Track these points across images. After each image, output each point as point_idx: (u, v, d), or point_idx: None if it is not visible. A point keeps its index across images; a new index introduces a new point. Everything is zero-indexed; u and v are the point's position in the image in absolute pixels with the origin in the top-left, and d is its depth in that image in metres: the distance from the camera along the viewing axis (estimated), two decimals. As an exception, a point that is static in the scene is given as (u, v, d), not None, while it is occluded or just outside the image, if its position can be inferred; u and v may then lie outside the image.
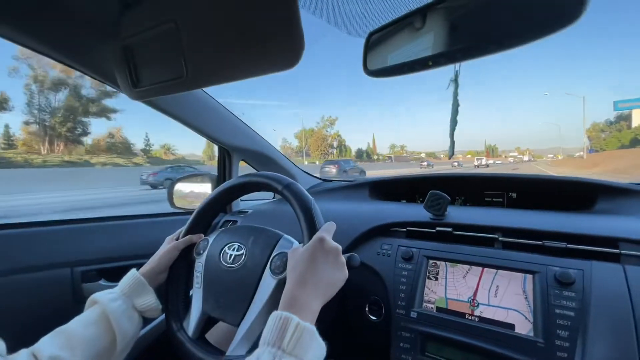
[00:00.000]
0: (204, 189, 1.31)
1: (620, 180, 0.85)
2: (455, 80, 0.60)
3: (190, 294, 0.72)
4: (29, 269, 0.84)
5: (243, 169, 1.31)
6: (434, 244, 0.73)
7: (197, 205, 0.80)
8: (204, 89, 0.99)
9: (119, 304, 0.60)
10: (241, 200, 1.34)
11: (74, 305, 0.87)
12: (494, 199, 1.00)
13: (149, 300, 0.65)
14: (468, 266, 0.67)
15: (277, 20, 0.44)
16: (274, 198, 1.39)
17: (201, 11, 0.50)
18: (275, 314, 0.46)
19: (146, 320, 0.66)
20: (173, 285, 0.72)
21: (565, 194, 0.89)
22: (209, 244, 0.73)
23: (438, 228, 0.75)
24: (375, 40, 0.59)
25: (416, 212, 0.83)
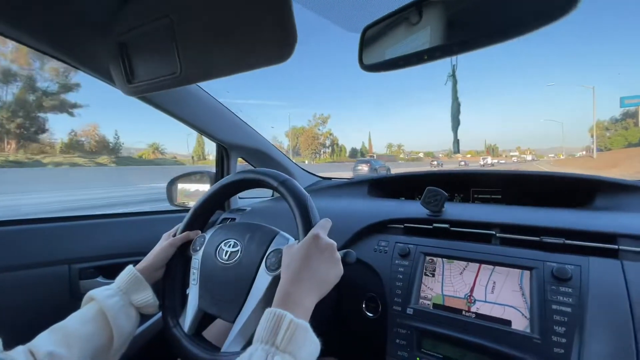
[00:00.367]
0: (204, 187, 1.32)
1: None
2: (453, 75, 0.59)
3: (187, 290, 0.72)
4: (27, 266, 0.84)
5: (244, 168, 1.31)
6: (431, 240, 0.73)
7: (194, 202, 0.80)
8: (202, 86, 1.00)
9: (116, 301, 0.60)
10: (240, 198, 1.35)
11: (72, 303, 0.87)
12: (493, 196, 1.00)
13: (146, 296, 0.65)
14: (465, 262, 0.66)
15: (270, 14, 0.44)
16: (272, 196, 1.39)
17: (195, 6, 0.50)
18: (269, 311, 0.46)
19: (143, 317, 0.66)
20: (170, 282, 0.72)
21: (564, 191, 0.88)
22: (206, 241, 0.73)
23: (435, 224, 0.75)
24: (370, 35, 0.59)
25: (413, 208, 0.83)
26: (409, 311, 0.66)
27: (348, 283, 0.76)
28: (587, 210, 0.75)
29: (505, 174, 0.98)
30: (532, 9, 0.41)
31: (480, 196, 1.02)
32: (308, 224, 0.60)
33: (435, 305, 0.65)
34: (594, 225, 0.62)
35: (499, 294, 0.61)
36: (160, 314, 0.69)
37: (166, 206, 1.27)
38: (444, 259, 0.69)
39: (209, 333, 0.83)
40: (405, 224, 0.80)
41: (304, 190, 0.64)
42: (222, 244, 0.70)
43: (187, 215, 0.77)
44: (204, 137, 1.13)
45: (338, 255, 0.57)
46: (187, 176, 1.32)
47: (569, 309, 0.53)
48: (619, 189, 0.79)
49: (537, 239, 0.64)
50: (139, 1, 0.56)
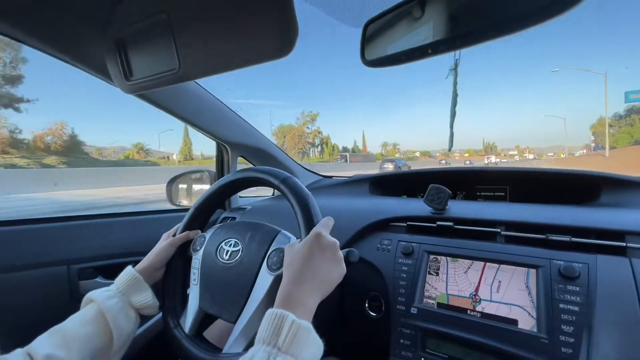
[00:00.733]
0: (204, 186, 1.31)
1: None
2: (455, 69, 0.58)
3: (188, 291, 0.71)
4: (26, 266, 0.83)
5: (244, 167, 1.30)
6: (435, 239, 0.72)
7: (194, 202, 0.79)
8: (202, 85, 0.99)
9: (115, 302, 0.60)
10: (240, 197, 1.34)
11: (71, 303, 0.86)
12: (496, 193, 0.99)
13: (146, 297, 0.64)
14: (470, 261, 0.65)
15: (271, 7, 0.43)
16: (273, 195, 1.38)
17: (192, 0, 0.49)
18: (270, 312, 0.45)
19: (143, 318, 0.65)
20: (170, 282, 0.71)
21: (569, 187, 0.87)
22: (206, 240, 0.72)
23: (439, 222, 0.74)
24: (372, 30, 0.58)
25: (416, 206, 0.82)
26: (413, 311, 0.65)
27: (351, 282, 0.75)
28: (593, 207, 0.74)
29: (508, 171, 0.97)
30: (537, 1, 0.40)
31: (483, 193, 1.01)
32: (310, 223, 0.59)
33: (439, 305, 0.64)
34: (601, 222, 0.61)
35: (504, 293, 0.60)
36: (160, 314, 0.69)
37: (165, 206, 1.26)
38: (448, 258, 0.68)
39: (210, 333, 0.82)
40: (409, 222, 0.79)
41: (305, 189, 0.63)
42: (223, 244, 0.69)
43: (187, 215, 0.76)
44: (206, 136, 1.12)
45: (341, 254, 0.56)
46: (187, 175, 1.31)
47: (576, 308, 0.52)
48: (624, 185, 0.78)
49: (543, 236, 0.63)
50: (136, -4, 0.55)
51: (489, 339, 0.57)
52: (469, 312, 0.61)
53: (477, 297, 0.62)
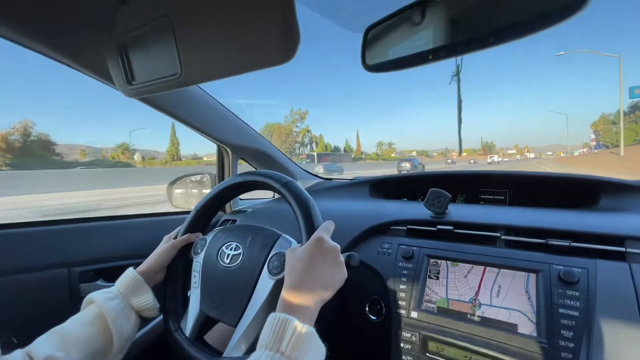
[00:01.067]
0: (204, 189, 1.31)
1: None
2: (457, 75, 0.59)
3: (189, 293, 0.71)
4: (26, 269, 0.83)
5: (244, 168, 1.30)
6: (435, 243, 0.72)
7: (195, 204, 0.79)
8: (202, 87, 0.99)
9: (115, 304, 0.60)
10: (240, 199, 1.34)
11: (72, 306, 0.86)
12: (496, 197, 0.99)
13: (147, 299, 0.64)
14: (470, 265, 0.66)
15: (272, 13, 0.43)
16: (273, 197, 1.38)
17: (195, 5, 0.49)
18: (273, 316, 0.45)
19: (144, 320, 0.65)
20: (171, 285, 0.71)
21: (569, 192, 0.88)
22: (207, 243, 0.72)
23: (439, 226, 0.74)
24: (373, 35, 0.58)
25: (417, 210, 0.82)
26: (413, 315, 0.66)
27: (351, 286, 0.75)
28: (592, 212, 0.75)
29: (509, 175, 0.97)
30: (539, 8, 0.40)
31: (483, 197, 1.01)
32: (311, 227, 0.59)
33: (439, 309, 0.64)
34: (601, 227, 0.62)
35: (504, 297, 0.60)
36: (160, 317, 0.69)
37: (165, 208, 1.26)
38: (448, 262, 0.68)
39: (211, 336, 0.82)
40: (409, 226, 0.79)
41: (306, 193, 0.63)
42: (224, 247, 0.69)
43: (188, 218, 0.77)
44: (206, 138, 1.12)
45: (342, 258, 0.56)
46: (188, 177, 1.31)
47: (576, 313, 0.52)
48: (624, 189, 0.78)
49: (542, 241, 0.63)
50: (139, 1, 0.55)
51: (489, 344, 0.57)
52: (469, 316, 0.61)
53: (477, 302, 0.62)
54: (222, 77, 0.52)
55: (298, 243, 0.63)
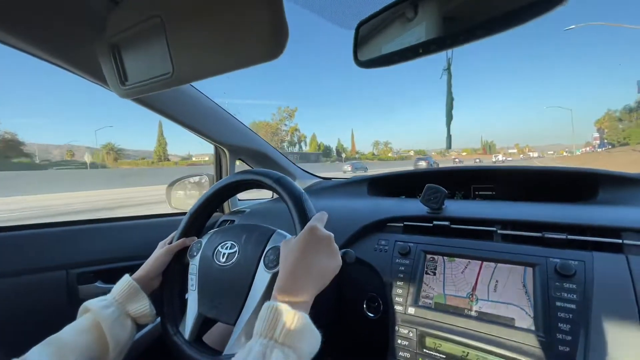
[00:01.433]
0: (203, 190, 1.31)
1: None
2: (448, 69, 0.59)
3: (186, 297, 0.71)
4: (25, 271, 0.84)
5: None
6: (432, 239, 0.72)
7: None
8: (198, 88, 1.00)
9: (111, 311, 0.59)
10: (239, 199, 1.34)
11: (70, 308, 0.86)
12: (494, 192, 0.98)
13: (143, 306, 0.64)
14: (466, 260, 0.65)
15: (261, 10, 0.43)
16: (272, 197, 1.38)
17: (185, 4, 0.49)
18: (267, 305, 0.45)
19: (140, 326, 0.65)
20: (168, 289, 0.71)
21: (567, 185, 0.87)
22: (202, 246, 0.72)
23: (435, 222, 0.74)
24: (364, 31, 0.58)
25: (413, 206, 0.82)
26: (411, 311, 0.65)
27: (349, 283, 0.75)
28: (590, 205, 0.74)
29: (507, 170, 0.96)
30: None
31: (481, 193, 1.01)
32: (304, 218, 0.59)
33: (437, 305, 0.64)
34: (597, 219, 0.61)
35: (501, 291, 0.59)
36: (158, 320, 0.69)
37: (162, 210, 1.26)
38: (445, 257, 0.68)
39: (210, 338, 0.82)
40: (405, 222, 0.78)
41: (299, 187, 0.64)
42: (220, 247, 0.69)
43: (183, 222, 0.77)
44: (203, 139, 1.12)
45: (336, 246, 0.56)
46: (187, 179, 1.31)
47: (573, 306, 0.52)
48: (622, 182, 0.77)
49: (539, 234, 0.63)
50: (129, 1, 0.55)
51: (486, 339, 0.57)
52: (466, 311, 0.61)
53: (474, 297, 0.61)
54: (213, 75, 0.52)
55: (293, 236, 0.63)
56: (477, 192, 1.01)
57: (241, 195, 1.33)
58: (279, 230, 0.67)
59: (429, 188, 0.77)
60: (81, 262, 0.91)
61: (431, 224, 0.74)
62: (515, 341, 0.54)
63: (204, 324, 0.69)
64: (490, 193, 0.99)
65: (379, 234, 0.80)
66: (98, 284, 0.92)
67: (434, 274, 0.67)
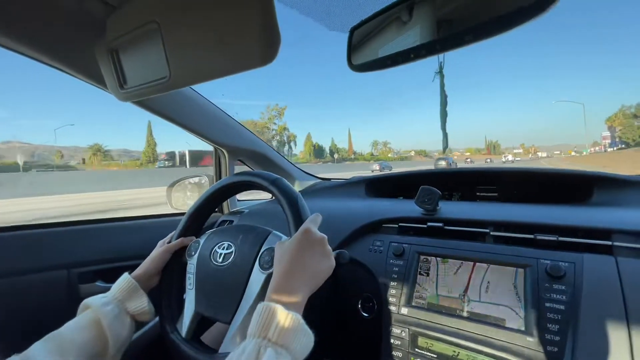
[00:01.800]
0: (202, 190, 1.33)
1: None
2: (440, 72, 0.59)
3: (184, 296, 0.73)
4: (26, 271, 0.85)
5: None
6: (426, 240, 0.73)
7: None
8: (198, 90, 1.01)
9: (111, 308, 0.61)
10: (238, 200, 1.35)
11: (70, 307, 0.87)
12: (492, 194, 0.99)
13: (142, 303, 0.65)
14: (459, 261, 0.66)
15: (253, 16, 0.44)
16: (271, 198, 1.39)
17: (180, 10, 0.50)
18: (260, 305, 0.46)
19: (139, 324, 0.67)
20: (166, 288, 0.73)
21: (563, 187, 0.87)
22: (200, 245, 0.73)
23: (429, 223, 0.74)
24: (358, 35, 0.59)
25: (408, 208, 0.83)
26: (404, 311, 0.66)
27: (344, 283, 0.76)
28: (583, 207, 0.75)
29: (504, 171, 0.97)
30: (515, 4, 0.41)
31: (479, 194, 1.01)
32: (299, 220, 0.61)
33: (430, 305, 0.65)
34: (588, 221, 0.62)
35: (493, 292, 0.60)
36: (156, 318, 0.70)
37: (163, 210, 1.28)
38: (438, 258, 0.68)
39: (208, 337, 0.84)
40: (400, 224, 0.79)
41: (294, 189, 0.65)
42: (217, 247, 0.70)
43: (182, 222, 0.78)
44: (203, 141, 1.13)
45: (329, 248, 0.58)
46: (187, 180, 1.33)
47: (562, 307, 0.53)
48: (617, 184, 0.78)
49: (531, 236, 0.63)
50: (127, 7, 0.57)
51: (477, 339, 0.58)
52: (458, 312, 0.62)
53: (466, 297, 0.62)
54: (208, 79, 0.53)
55: (288, 237, 0.64)
56: (475, 194, 1.01)
57: (241, 196, 1.34)
58: (274, 232, 0.68)
59: (423, 189, 0.78)
60: (82, 262, 0.92)
61: (425, 225, 0.75)
62: (505, 341, 0.55)
63: (203, 323, 0.70)
64: (488, 194, 0.99)
65: (374, 235, 0.81)
66: (98, 283, 0.94)
67: (427, 274, 0.68)
